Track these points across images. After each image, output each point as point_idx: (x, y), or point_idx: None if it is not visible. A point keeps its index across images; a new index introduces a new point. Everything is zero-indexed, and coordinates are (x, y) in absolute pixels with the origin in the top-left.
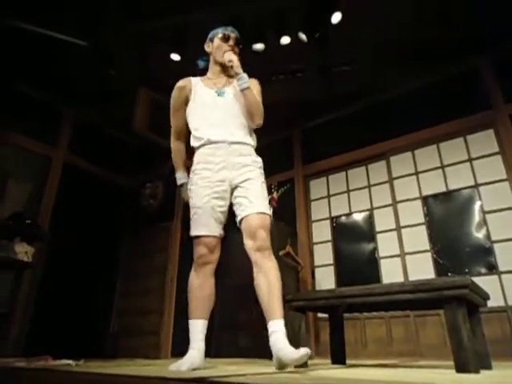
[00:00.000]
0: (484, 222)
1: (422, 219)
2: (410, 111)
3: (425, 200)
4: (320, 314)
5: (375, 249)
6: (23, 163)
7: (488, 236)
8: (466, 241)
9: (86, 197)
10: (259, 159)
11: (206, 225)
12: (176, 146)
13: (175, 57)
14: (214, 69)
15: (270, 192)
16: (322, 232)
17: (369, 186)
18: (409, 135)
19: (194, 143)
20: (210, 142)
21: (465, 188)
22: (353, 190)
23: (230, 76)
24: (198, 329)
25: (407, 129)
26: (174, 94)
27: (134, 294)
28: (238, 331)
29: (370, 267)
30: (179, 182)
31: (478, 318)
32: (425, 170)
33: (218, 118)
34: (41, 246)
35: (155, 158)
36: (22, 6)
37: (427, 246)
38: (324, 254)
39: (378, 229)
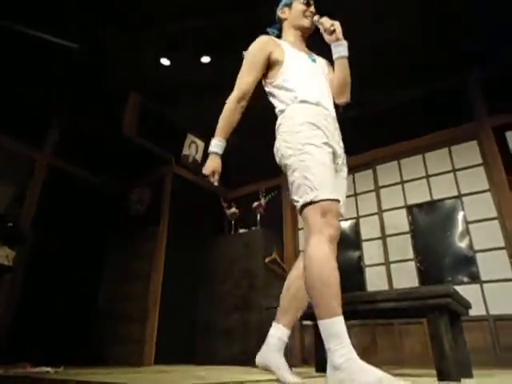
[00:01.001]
0: (467, 232)
1: (407, 228)
2: (396, 121)
3: (410, 209)
4: (305, 321)
5: (361, 257)
6: (6, 164)
7: (471, 245)
8: (450, 250)
9: (71, 201)
10: None
11: (336, 190)
12: (234, 106)
13: (165, 62)
14: (294, 35)
15: (257, 198)
16: None
17: (355, 195)
18: (395, 145)
19: (291, 100)
20: (319, 105)
21: (449, 198)
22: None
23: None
24: (345, 328)
25: (393, 139)
26: (256, 46)
27: (117, 300)
28: (224, 337)
29: (355, 275)
30: (213, 150)
31: (460, 327)
32: (410, 179)
33: (319, 86)
34: (22, 249)
35: (143, 162)
36: (11, 7)
37: (411, 255)
38: None
39: (363, 237)
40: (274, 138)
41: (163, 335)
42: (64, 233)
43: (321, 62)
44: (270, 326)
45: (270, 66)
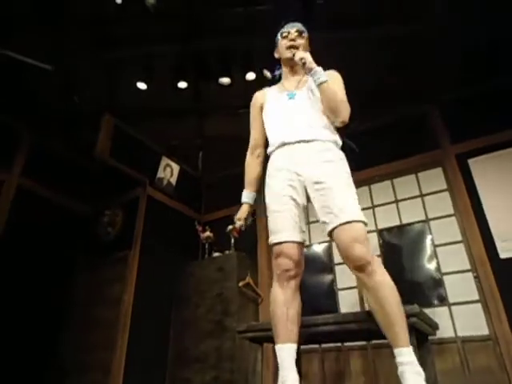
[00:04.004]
0: (435, 255)
1: (377, 251)
2: (366, 148)
3: (380, 233)
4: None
5: (333, 280)
6: None
7: (438, 268)
8: (418, 273)
9: (40, 223)
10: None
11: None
12: (248, 159)
13: (142, 86)
14: (285, 71)
15: (232, 222)
16: None
17: None
18: (365, 171)
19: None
20: (281, 146)
21: (417, 222)
22: (312, 223)
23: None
24: (290, 354)
25: (364, 164)
26: (251, 104)
27: (83, 328)
28: (197, 364)
29: (328, 299)
30: (242, 200)
31: (428, 348)
32: (380, 204)
33: (288, 123)
34: None
35: (115, 185)
36: None
37: None
38: None
39: (336, 261)
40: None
41: (132, 363)
42: (30, 256)
43: (303, 92)
44: (244, 351)
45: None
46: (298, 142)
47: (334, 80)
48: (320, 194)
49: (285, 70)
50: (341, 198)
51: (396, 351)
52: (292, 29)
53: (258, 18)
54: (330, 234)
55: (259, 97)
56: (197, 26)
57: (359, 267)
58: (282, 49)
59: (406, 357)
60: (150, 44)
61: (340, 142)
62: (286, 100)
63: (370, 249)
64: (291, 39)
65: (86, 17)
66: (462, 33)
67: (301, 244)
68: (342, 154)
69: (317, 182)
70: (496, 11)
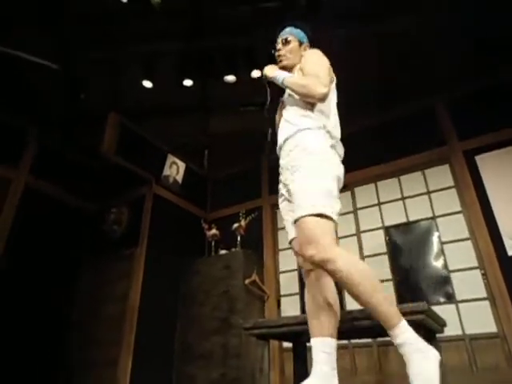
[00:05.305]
0: (442, 252)
1: (384, 249)
2: (372, 146)
3: (387, 230)
4: (285, 345)
5: None
6: None
7: (445, 265)
8: (426, 270)
9: (47, 221)
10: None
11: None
12: None
13: (147, 84)
14: None
15: (238, 220)
16: (288, 261)
17: None
18: (372, 168)
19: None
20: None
21: (423, 219)
22: None
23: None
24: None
25: (370, 162)
26: None
27: (91, 324)
28: (203, 361)
29: None
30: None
31: (436, 345)
32: (387, 201)
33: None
34: None
35: (122, 183)
36: None
37: (389, 275)
38: (290, 283)
39: None
40: (255, 162)
41: (139, 360)
42: (38, 254)
43: (286, 97)
44: (250, 349)
45: None
46: (281, 143)
47: (304, 63)
48: (287, 191)
49: None
50: (297, 192)
51: (390, 335)
52: (278, 39)
53: (263, 15)
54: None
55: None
56: (202, 24)
57: (317, 265)
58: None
59: (398, 338)
60: (155, 42)
61: (317, 124)
62: (280, 111)
63: (326, 242)
64: (278, 51)
65: (90, 14)
66: (470, 28)
67: None
68: (310, 141)
69: (285, 180)
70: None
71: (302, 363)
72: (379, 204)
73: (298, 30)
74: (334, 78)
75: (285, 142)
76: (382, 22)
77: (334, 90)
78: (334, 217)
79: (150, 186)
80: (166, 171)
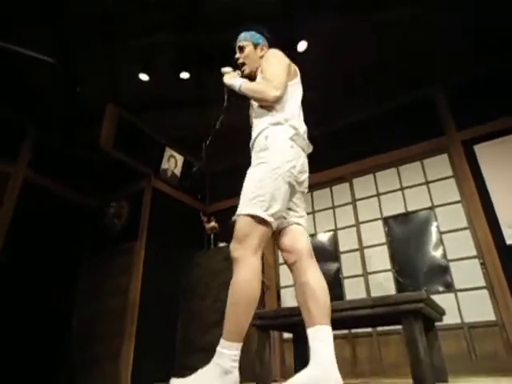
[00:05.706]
0: (441, 242)
1: (383, 239)
2: (370, 136)
3: (386, 221)
4: (285, 336)
5: (339, 269)
6: None
7: (444, 255)
8: (425, 260)
9: (46, 216)
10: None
11: None
12: None
13: (144, 77)
14: None
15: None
16: None
17: (333, 207)
18: (370, 158)
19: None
20: None
21: (422, 209)
22: (318, 211)
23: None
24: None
25: (368, 153)
26: None
27: (92, 318)
28: (204, 354)
29: (334, 287)
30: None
31: (435, 333)
32: (385, 191)
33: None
34: None
35: (121, 177)
36: None
37: (388, 266)
38: (290, 275)
39: (341, 249)
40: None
41: (140, 353)
42: (37, 248)
43: None
44: (249, 340)
45: None
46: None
47: (262, 66)
48: None
49: None
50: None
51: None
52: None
53: (260, 7)
54: None
55: None
56: (198, 16)
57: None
58: None
59: (216, 354)
60: (151, 35)
61: (274, 120)
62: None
63: (246, 245)
64: (236, 60)
65: (88, 11)
66: (468, 17)
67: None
68: (268, 140)
69: None
70: None
71: (303, 353)
72: (378, 195)
73: (252, 33)
74: (298, 72)
75: (253, 140)
76: (381, 12)
77: (298, 83)
78: (269, 219)
79: (148, 179)
80: (165, 164)
